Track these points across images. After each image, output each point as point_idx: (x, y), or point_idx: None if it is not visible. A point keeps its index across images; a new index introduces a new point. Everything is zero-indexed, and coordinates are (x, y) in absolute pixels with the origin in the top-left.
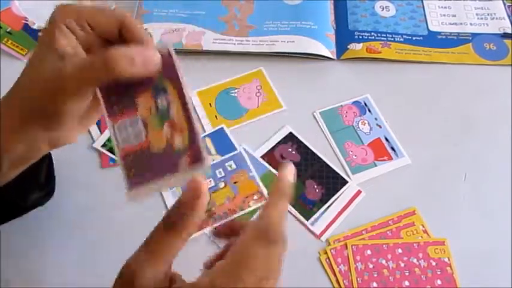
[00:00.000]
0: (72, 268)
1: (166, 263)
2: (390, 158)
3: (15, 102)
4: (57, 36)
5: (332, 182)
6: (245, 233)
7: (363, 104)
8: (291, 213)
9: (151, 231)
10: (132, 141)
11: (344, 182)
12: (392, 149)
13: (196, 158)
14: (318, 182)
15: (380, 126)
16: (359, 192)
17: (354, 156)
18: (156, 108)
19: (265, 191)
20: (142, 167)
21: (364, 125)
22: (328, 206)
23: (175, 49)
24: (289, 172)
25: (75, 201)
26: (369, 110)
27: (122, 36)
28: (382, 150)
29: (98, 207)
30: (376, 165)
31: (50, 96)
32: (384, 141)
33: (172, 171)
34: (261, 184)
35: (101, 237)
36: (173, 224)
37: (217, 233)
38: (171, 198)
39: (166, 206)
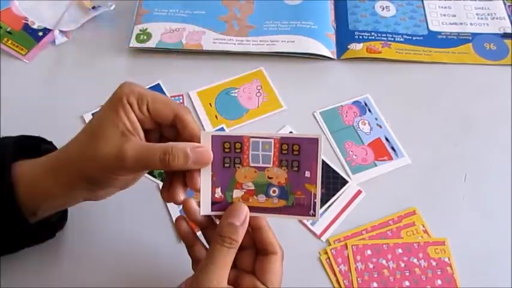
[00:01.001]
0: (71, 267)
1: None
2: (390, 158)
3: (67, 162)
4: (121, 113)
5: (332, 182)
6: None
7: (363, 104)
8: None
9: (210, 251)
10: None
11: (344, 182)
12: (393, 149)
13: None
14: None
15: (380, 126)
16: (359, 192)
17: (354, 156)
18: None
19: None
20: None
21: (364, 125)
22: (329, 206)
23: (175, 49)
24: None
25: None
26: (369, 110)
27: (175, 125)
28: (382, 150)
29: (98, 207)
30: (376, 165)
31: (107, 170)
32: (384, 141)
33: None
34: None
35: (101, 237)
36: (230, 240)
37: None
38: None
39: (167, 208)
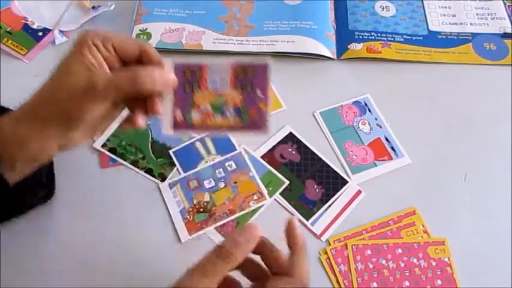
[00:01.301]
0: (72, 268)
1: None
2: (390, 158)
3: (38, 103)
4: (86, 51)
5: (332, 182)
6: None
7: (363, 104)
8: (291, 214)
9: (206, 255)
10: None
11: (344, 182)
12: (393, 149)
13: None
14: (318, 182)
15: (380, 126)
16: (359, 192)
17: (354, 156)
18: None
19: (265, 191)
20: None
21: (364, 124)
22: (329, 206)
23: (175, 49)
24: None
25: (75, 201)
26: (369, 110)
27: (141, 60)
28: (382, 150)
29: (98, 207)
30: (376, 165)
31: (77, 101)
32: (384, 141)
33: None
34: (261, 184)
35: (100, 237)
36: (227, 253)
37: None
38: (172, 203)
39: (167, 208)
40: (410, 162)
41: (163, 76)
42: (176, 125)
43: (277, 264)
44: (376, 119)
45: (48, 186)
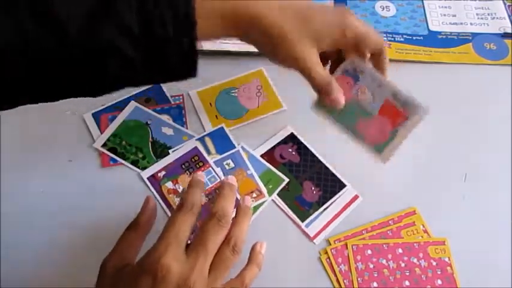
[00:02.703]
0: (72, 267)
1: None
2: (405, 118)
3: (306, 12)
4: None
5: (330, 185)
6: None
7: (352, 69)
8: (287, 214)
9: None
10: None
11: (342, 185)
12: (405, 103)
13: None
14: (316, 184)
15: (380, 86)
16: (356, 196)
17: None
18: None
19: (264, 189)
20: None
21: (364, 93)
22: (324, 209)
23: None
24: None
25: (75, 201)
26: (361, 72)
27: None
28: (394, 112)
29: (98, 207)
30: (397, 133)
31: (285, 52)
32: (392, 100)
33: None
34: (259, 182)
35: (101, 237)
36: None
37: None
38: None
39: (162, 208)
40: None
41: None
42: None
43: None
44: (372, 80)
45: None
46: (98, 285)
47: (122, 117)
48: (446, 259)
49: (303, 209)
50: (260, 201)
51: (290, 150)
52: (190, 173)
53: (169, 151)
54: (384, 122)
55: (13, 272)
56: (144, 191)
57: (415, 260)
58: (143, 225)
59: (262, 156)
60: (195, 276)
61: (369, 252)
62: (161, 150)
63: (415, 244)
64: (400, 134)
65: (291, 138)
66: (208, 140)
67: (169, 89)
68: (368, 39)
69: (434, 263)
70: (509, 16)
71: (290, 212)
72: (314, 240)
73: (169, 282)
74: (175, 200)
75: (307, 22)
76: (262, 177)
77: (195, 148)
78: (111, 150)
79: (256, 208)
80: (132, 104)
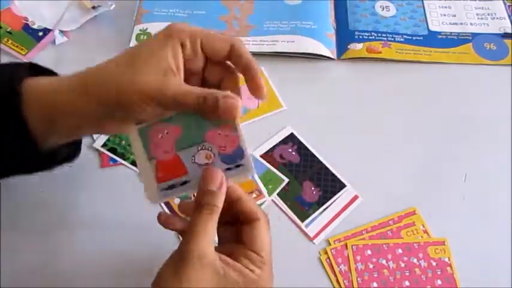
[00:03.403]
0: (72, 267)
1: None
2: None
3: (103, 86)
4: (169, 50)
5: (330, 185)
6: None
7: None
8: (287, 215)
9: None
10: None
11: (342, 186)
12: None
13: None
14: (316, 184)
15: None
16: (356, 197)
17: None
18: None
19: (264, 189)
20: None
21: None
22: (325, 209)
23: None
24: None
25: (75, 201)
26: None
27: (230, 59)
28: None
29: (98, 207)
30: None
31: (142, 98)
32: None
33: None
34: (259, 182)
35: (100, 237)
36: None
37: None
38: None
39: (162, 208)
40: None
41: (227, 101)
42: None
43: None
44: None
45: (75, 144)
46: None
47: None
48: (446, 259)
49: (303, 209)
50: (260, 202)
51: (290, 150)
52: None
53: None
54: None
55: (13, 273)
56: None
57: (415, 260)
58: None
59: (262, 156)
60: None
61: (369, 252)
62: None
63: (415, 244)
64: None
65: (291, 139)
66: None
67: None
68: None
69: (434, 263)
70: (509, 16)
71: (290, 212)
72: (314, 241)
73: None
74: (174, 200)
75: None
76: (262, 177)
77: None
78: (111, 150)
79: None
80: None
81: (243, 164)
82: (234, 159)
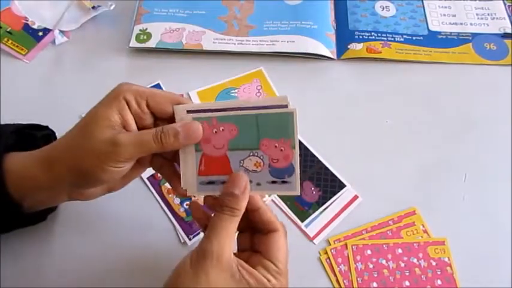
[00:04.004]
0: (72, 267)
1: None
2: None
3: (57, 154)
4: (114, 109)
5: (330, 185)
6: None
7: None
8: (287, 214)
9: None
10: None
11: (342, 186)
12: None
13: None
14: (315, 184)
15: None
16: (356, 197)
17: None
18: None
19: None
20: None
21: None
22: (324, 209)
23: (175, 49)
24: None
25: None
26: None
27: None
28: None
29: (98, 207)
30: None
31: (100, 159)
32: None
33: None
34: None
35: (101, 236)
36: (229, 211)
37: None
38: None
39: (162, 208)
40: None
41: (187, 127)
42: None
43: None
44: None
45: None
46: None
47: None
48: (446, 259)
49: (302, 209)
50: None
51: None
52: None
53: None
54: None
55: (13, 273)
56: (144, 191)
57: (414, 260)
58: None
59: None
60: None
61: (369, 252)
62: None
63: (414, 244)
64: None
65: None
66: None
67: (169, 89)
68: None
69: (434, 263)
70: (509, 16)
71: (290, 212)
72: (314, 240)
73: None
74: (174, 200)
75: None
76: None
77: None
78: None
79: None
80: None
81: (289, 182)
82: (283, 175)
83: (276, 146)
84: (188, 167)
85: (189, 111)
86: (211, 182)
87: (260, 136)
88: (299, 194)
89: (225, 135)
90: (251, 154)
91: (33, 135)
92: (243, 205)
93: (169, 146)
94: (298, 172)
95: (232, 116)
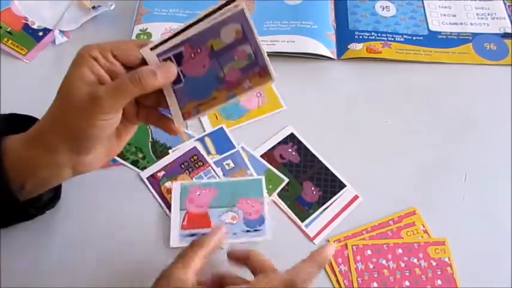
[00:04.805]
0: (72, 266)
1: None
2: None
3: (46, 128)
4: (84, 67)
5: (330, 185)
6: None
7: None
8: (287, 214)
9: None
10: None
11: (342, 186)
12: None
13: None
14: (316, 184)
15: None
16: (356, 197)
17: None
18: None
19: (264, 189)
20: None
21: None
22: (325, 209)
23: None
24: (331, 250)
25: (75, 201)
26: None
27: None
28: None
29: (98, 207)
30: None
31: (83, 118)
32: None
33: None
34: (263, 184)
35: (100, 236)
36: (198, 243)
37: (231, 256)
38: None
39: (162, 208)
40: None
41: (162, 66)
42: (185, 115)
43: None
44: None
45: (56, 190)
46: None
47: None
48: (446, 259)
49: (303, 209)
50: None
51: (290, 150)
52: (190, 173)
53: (169, 151)
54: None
55: (13, 273)
56: (143, 191)
57: (415, 260)
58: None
59: (262, 156)
60: None
61: (369, 252)
62: (161, 151)
63: (415, 244)
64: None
65: (291, 139)
66: (208, 140)
67: None
68: None
69: (434, 263)
70: (509, 16)
71: (290, 212)
72: (314, 240)
73: None
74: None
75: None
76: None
77: (194, 148)
78: None
79: None
80: None
81: (260, 230)
82: (255, 225)
83: (248, 203)
84: (175, 223)
85: (152, 49)
86: (192, 234)
87: (235, 196)
88: (269, 238)
89: (206, 196)
90: (228, 210)
91: (27, 121)
92: (210, 240)
93: (150, 86)
94: (268, 221)
95: (212, 182)
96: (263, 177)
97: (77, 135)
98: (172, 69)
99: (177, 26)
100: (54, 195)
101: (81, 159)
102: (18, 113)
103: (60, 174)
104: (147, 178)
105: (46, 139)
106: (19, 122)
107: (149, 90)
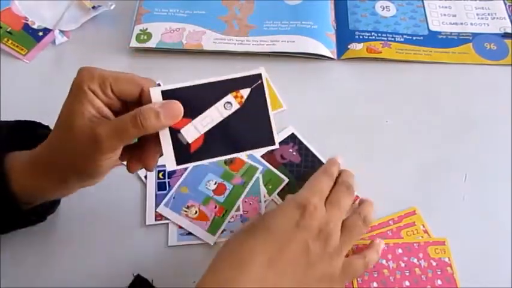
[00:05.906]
0: (71, 266)
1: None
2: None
3: (53, 154)
4: (85, 102)
5: None
6: None
7: None
8: None
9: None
10: None
11: None
12: None
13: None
14: None
15: None
16: (356, 197)
17: None
18: None
19: (264, 189)
20: None
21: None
22: None
23: (175, 49)
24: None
25: (75, 201)
26: None
27: (141, 100)
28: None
29: (98, 207)
30: None
31: (88, 158)
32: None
33: None
34: (260, 182)
35: (99, 237)
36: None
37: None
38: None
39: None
40: None
41: (167, 106)
42: (179, 159)
43: None
44: None
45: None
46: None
47: None
48: (446, 259)
49: None
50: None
51: (291, 150)
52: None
53: None
54: None
55: (13, 273)
56: (143, 190)
57: (415, 260)
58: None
59: (262, 156)
60: (333, 224)
61: None
62: None
63: (415, 244)
64: None
65: (292, 139)
66: None
67: None
68: None
69: (434, 263)
70: (509, 16)
71: None
72: None
73: (315, 219)
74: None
75: None
76: (262, 177)
77: None
78: None
79: None
80: None
81: None
82: None
83: (246, 201)
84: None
85: (164, 92)
86: (190, 233)
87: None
88: None
89: None
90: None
91: (33, 130)
92: None
93: (151, 127)
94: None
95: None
96: (260, 176)
97: (83, 172)
98: (180, 109)
99: (177, 26)
100: (55, 200)
101: (90, 182)
102: (23, 119)
103: (70, 192)
104: (146, 177)
105: (56, 171)
106: (26, 129)
107: (151, 132)
